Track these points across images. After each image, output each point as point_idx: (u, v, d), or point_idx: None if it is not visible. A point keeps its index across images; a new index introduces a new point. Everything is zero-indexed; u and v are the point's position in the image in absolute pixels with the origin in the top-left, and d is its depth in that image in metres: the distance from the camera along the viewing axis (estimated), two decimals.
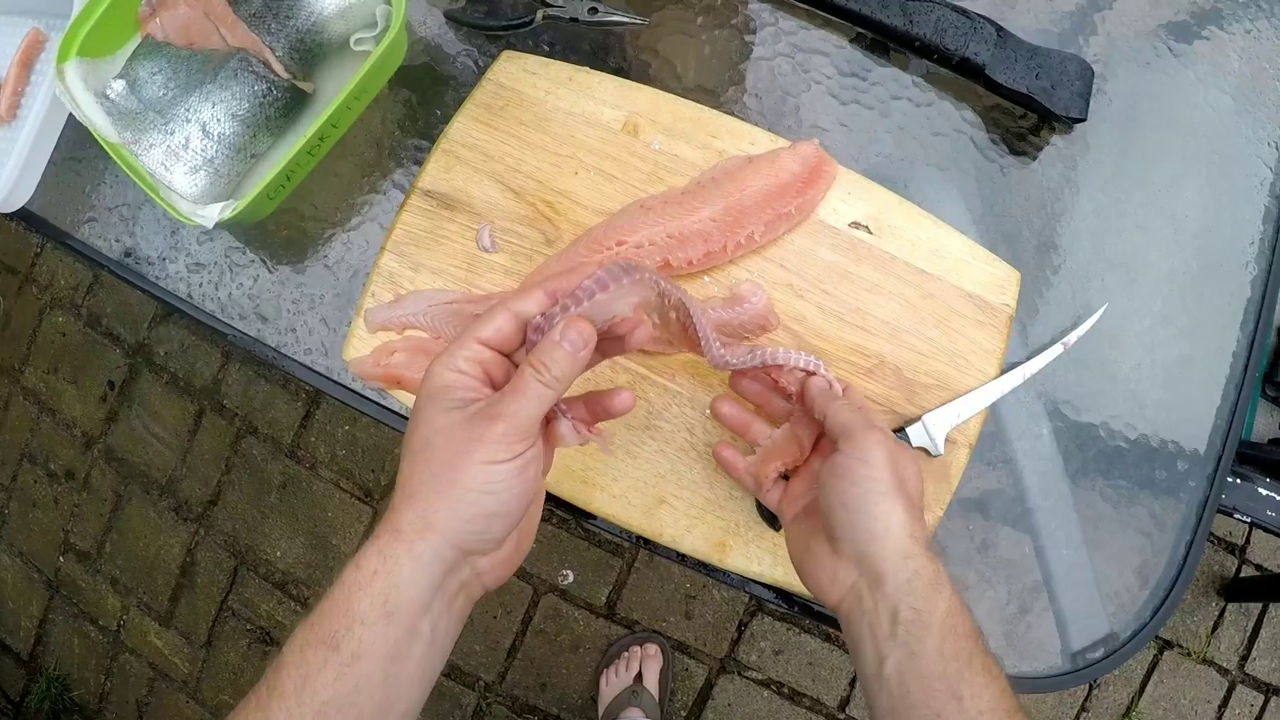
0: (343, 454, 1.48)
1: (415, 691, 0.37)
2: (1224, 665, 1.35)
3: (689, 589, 1.39)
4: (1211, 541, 1.36)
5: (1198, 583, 1.36)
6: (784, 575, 0.57)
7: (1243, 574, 1.35)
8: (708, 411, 0.57)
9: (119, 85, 0.66)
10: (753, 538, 0.57)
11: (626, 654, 1.38)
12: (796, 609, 0.60)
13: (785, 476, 0.50)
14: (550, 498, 0.58)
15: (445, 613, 0.37)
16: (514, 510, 0.38)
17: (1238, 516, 0.69)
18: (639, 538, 0.59)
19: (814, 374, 0.47)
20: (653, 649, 1.38)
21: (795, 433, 0.49)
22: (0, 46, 0.78)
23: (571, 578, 1.40)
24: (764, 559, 0.57)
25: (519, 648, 1.42)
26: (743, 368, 0.48)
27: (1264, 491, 0.69)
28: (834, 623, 0.59)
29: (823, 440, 0.48)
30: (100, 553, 1.56)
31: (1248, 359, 0.66)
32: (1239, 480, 0.69)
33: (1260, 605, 1.33)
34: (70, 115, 0.74)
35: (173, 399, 1.54)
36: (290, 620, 1.47)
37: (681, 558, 0.59)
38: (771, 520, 0.56)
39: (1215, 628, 1.35)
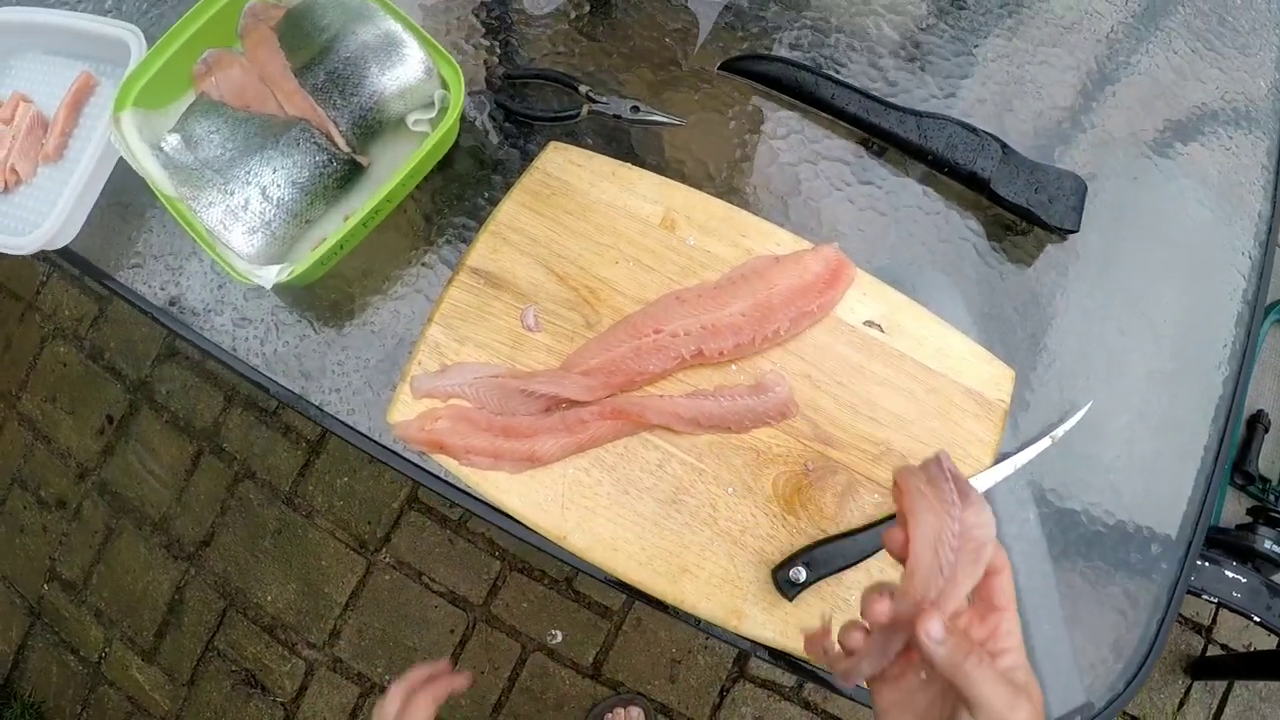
0: (340, 504, 1.50)
1: None
2: None
3: (674, 653, 1.42)
4: (1179, 622, 1.42)
5: (1165, 661, 1.40)
6: (793, 644, 0.61)
7: (1209, 654, 1.39)
8: (730, 489, 0.62)
9: (174, 139, 0.69)
10: (767, 606, 0.61)
11: (610, 715, 1.40)
12: (801, 672, 0.64)
13: None
14: (583, 563, 0.62)
15: None
16: None
17: (1206, 597, 0.75)
18: (645, 599, 0.63)
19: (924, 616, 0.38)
20: (636, 711, 1.40)
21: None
22: (50, 87, 0.81)
23: (560, 637, 1.43)
24: (775, 627, 0.61)
25: (504, 704, 1.44)
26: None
27: (1230, 574, 0.75)
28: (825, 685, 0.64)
29: None
30: (86, 584, 1.56)
31: (1218, 452, 0.72)
32: (1207, 564, 0.75)
33: (1225, 683, 1.38)
34: (119, 161, 0.77)
35: (171, 438, 1.55)
36: (277, 665, 1.48)
37: (698, 622, 0.63)
38: (785, 591, 0.60)
39: (1181, 705, 1.39)
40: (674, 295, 0.63)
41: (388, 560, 1.47)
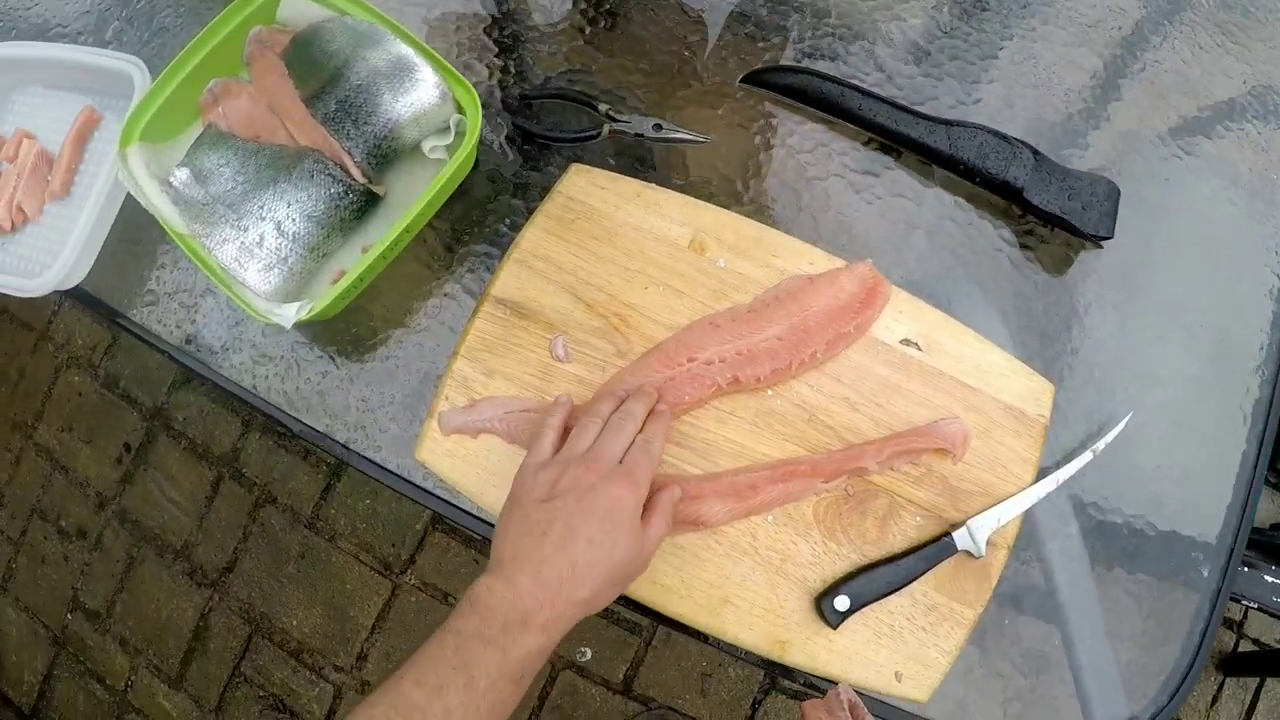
0: (363, 527, 1.48)
1: None
2: None
3: (705, 667, 1.41)
4: None
5: None
6: (838, 670, 0.60)
7: (1240, 649, 1.39)
8: (770, 517, 0.61)
9: (183, 174, 0.67)
10: (809, 635, 0.60)
11: None
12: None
13: None
14: (624, 599, 0.61)
15: None
16: None
17: (1245, 602, 0.74)
18: (686, 630, 0.62)
19: None
20: None
21: None
22: (54, 123, 0.80)
23: (589, 654, 1.42)
24: (820, 655, 0.60)
25: None
26: None
27: (1270, 579, 0.75)
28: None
29: None
30: (110, 612, 1.55)
31: (1256, 458, 0.71)
32: (1246, 569, 0.74)
33: (1258, 679, 1.38)
34: (128, 196, 0.75)
35: (190, 465, 1.54)
36: (304, 689, 1.47)
37: (743, 654, 0.62)
38: (830, 620, 0.59)
39: (1214, 702, 1.38)
40: (708, 321, 0.62)
41: (413, 582, 1.46)
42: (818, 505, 0.61)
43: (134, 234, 0.74)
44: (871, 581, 0.59)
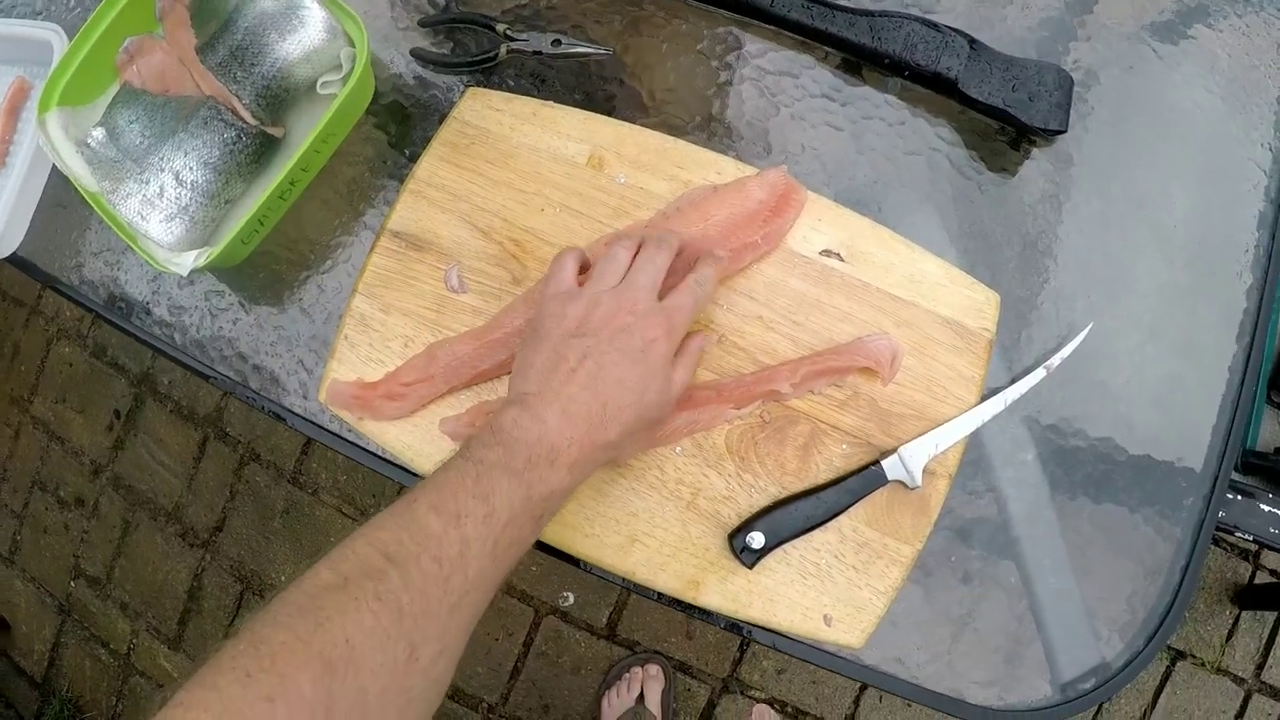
0: (343, 479, 1.49)
1: None
2: (1239, 674, 1.31)
3: None
4: (1224, 548, 1.32)
5: (1211, 590, 1.32)
6: (759, 613, 0.56)
7: (1257, 580, 1.31)
8: (678, 448, 0.56)
9: (99, 133, 0.67)
10: (726, 575, 0.56)
11: (628, 675, 1.37)
12: (779, 642, 0.59)
13: None
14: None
15: None
16: None
17: (1239, 534, 0.67)
18: (606, 575, 0.58)
19: None
20: (654, 669, 1.37)
21: None
22: None
23: (572, 599, 1.40)
24: (739, 596, 0.56)
25: (521, 669, 1.42)
26: None
27: (1265, 508, 0.67)
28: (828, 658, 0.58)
29: None
30: (110, 578, 1.59)
31: (1244, 373, 0.63)
32: (1239, 496, 0.67)
33: (1276, 613, 1.30)
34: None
35: (177, 427, 1.57)
36: None
37: (658, 596, 0.58)
38: (743, 559, 0.55)
39: (1230, 636, 1.31)
40: (602, 240, 0.58)
41: None
42: (730, 434, 0.56)
43: (63, 199, 0.74)
44: (789, 516, 0.54)
